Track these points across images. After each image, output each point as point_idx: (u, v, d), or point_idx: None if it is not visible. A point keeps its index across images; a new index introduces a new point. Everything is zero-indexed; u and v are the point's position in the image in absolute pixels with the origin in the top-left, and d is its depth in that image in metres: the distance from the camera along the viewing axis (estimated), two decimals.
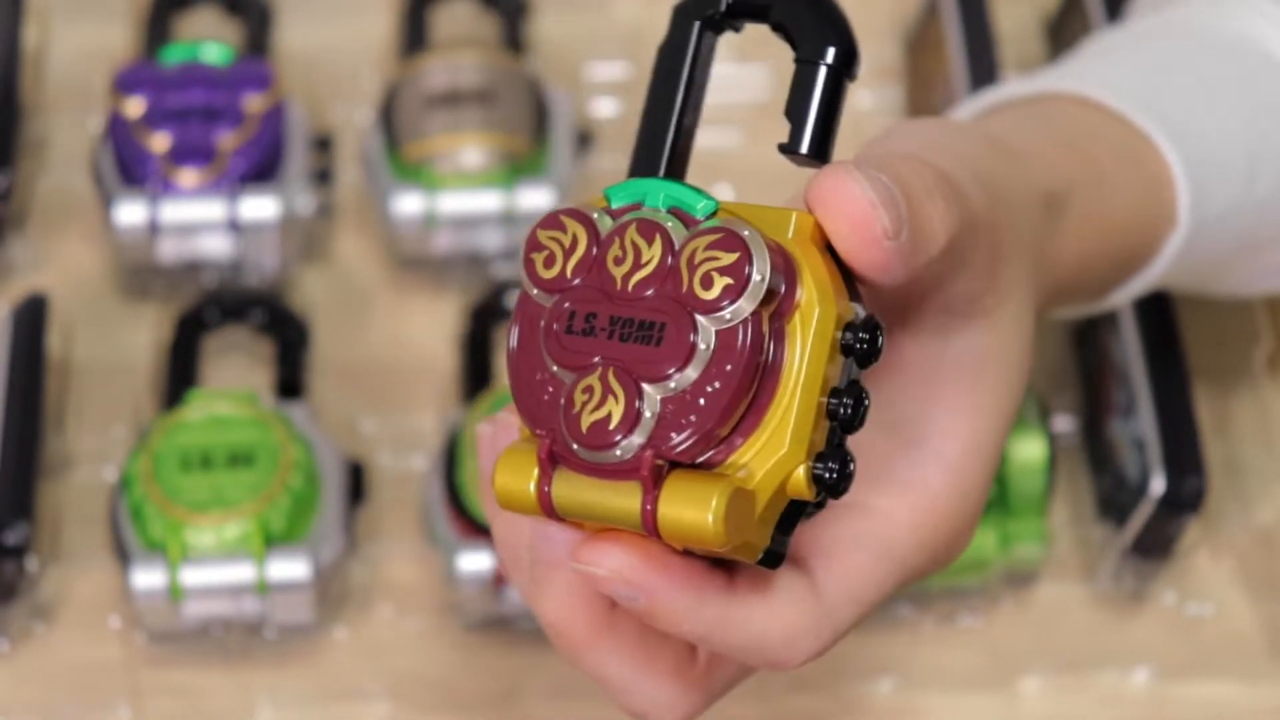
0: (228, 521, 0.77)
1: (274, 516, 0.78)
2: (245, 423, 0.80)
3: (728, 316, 0.46)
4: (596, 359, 0.47)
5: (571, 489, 0.47)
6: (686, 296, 0.46)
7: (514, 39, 0.96)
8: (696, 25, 0.50)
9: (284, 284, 0.90)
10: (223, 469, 0.78)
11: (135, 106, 0.88)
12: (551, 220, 0.48)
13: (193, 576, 0.77)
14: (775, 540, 0.48)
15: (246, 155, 0.88)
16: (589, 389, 0.47)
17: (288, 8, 0.99)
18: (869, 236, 0.47)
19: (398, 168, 0.89)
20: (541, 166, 0.89)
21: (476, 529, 0.78)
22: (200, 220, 0.87)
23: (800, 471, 0.47)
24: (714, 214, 0.47)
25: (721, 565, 0.50)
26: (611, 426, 0.46)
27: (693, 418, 0.46)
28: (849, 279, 0.48)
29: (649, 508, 0.46)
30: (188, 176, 0.87)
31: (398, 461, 0.85)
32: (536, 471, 0.48)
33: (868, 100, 0.98)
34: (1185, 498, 0.78)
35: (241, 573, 0.77)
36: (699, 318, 0.46)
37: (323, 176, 0.91)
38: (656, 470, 0.46)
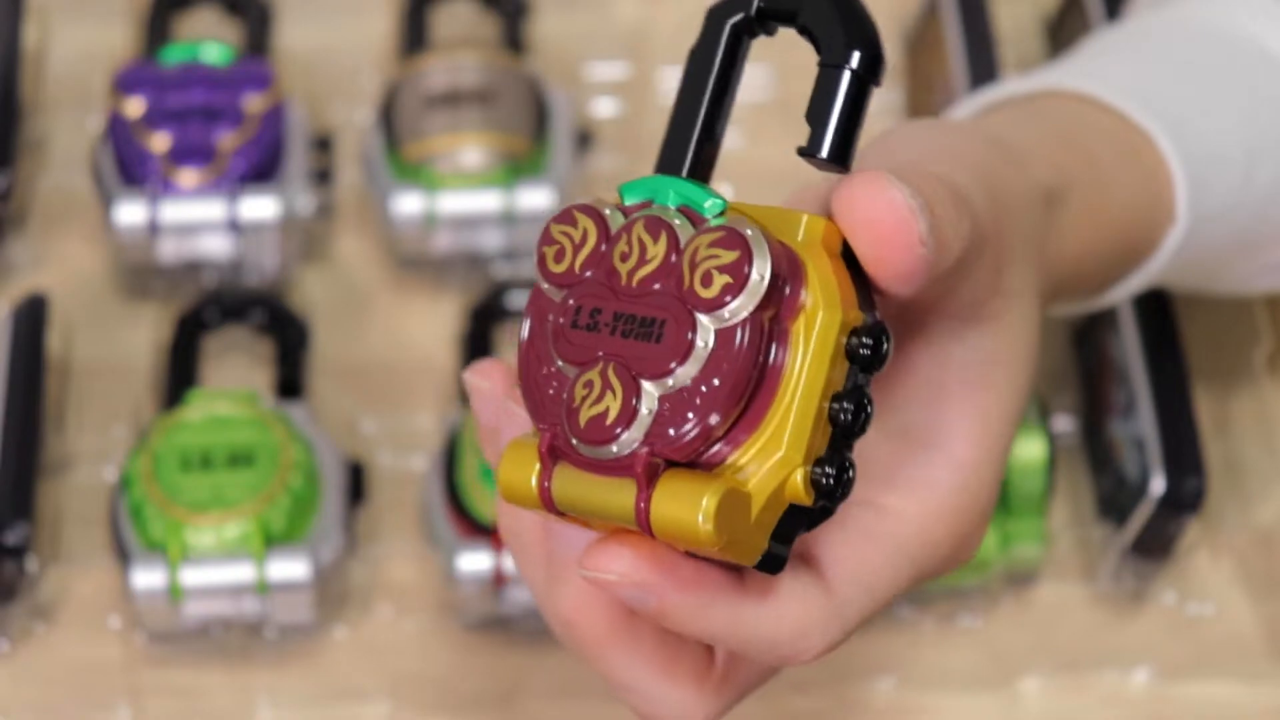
0: (228, 521, 0.77)
1: (274, 516, 0.78)
2: (245, 423, 0.80)
3: (727, 315, 0.46)
4: (599, 355, 0.47)
5: (570, 484, 0.47)
6: (687, 294, 0.46)
7: (514, 39, 0.96)
8: (727, 28, 0.50)
9: (284, 284, 0.90)
10: (223, 469, 0.78)
11: (135, 106, 0.88)
12: (565, 215, 0.48)
13: (193, 576, 0.77)
14: (774, 545, 0.48)
15: (246, 155, 0.88)
16: (589, 384, 0.47)
17: (288, 8, 0.99)
18: (906, 241, 0.47)
19: (398, 168, 0.89)
20: (541, 166, 0.89)
21: (476, 529, 0.78)
22: (200, 220, 0.87)
23: (798, 476, 0.47)
24: (722, 213, 0.47)
25: (731, 565, 0.50)
26: (609, 422, 0.46)
27: (689, 415, 0.46)
28: (861, 286, 0.48)
29: (642, 505, 0.46)
30: (188, 176, 0.87)
31: (398, 461, 0.85)
32: (538, 466, 0.48)
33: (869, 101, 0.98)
34: (1185, 498, 0.78)
35: (241, 573, 0.77)
36: (699, 316, 0.46)
37: (323, 176, 0.91)
38: (651, 467, 0.46)
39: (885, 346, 0.48)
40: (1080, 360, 0.87)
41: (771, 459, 0.47)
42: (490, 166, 0.89)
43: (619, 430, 0.46)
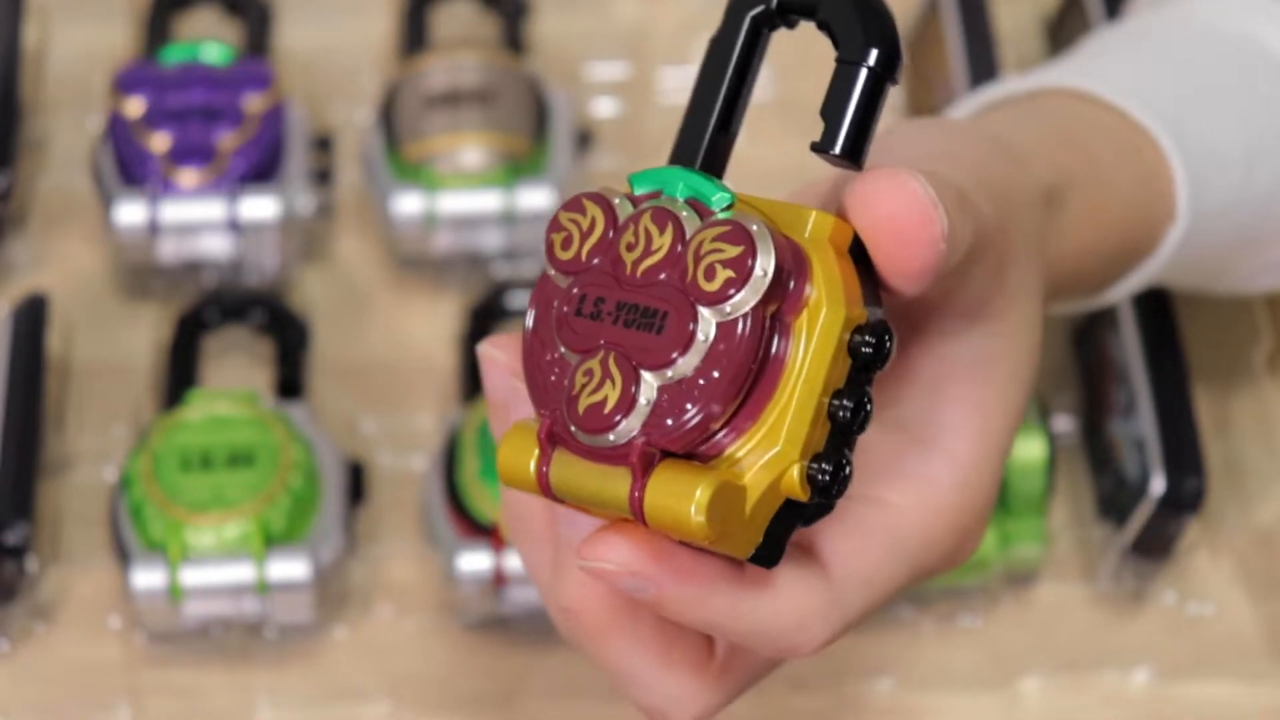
0: (228, 521, 0.77)
1: (274, 516, 0.78)
2: (245, 423, 0.80)
3: (729, 309, 0.46)
4: (600, 343, 0.47)
5: (568, 471, 0.48)
6: (690, 286, 0.46)
7: (514, 39, 0.96)
8: (748, 20, 0.50)
9: (284, 284, 0.90)
10: (223, 469, 0.78)
11: (135, 106, 0.88)
12: (574, 203, 0.48)
13: (193, 576, 0.77)
14: (768, 539, 0.48)
15: (246, 155, 0.88)
16: (589, 372, 0.47)
17: (288, 8, 0.99)
18: (928, 237, 0.47)
19: (398, 168, 0.89)
20: (541, 166, 0.89)
21: (476, 529, 0.78)
22: (200, 220, 0.87)
23: (794, 471, 0.47)
24: (729, 206, 0.47)
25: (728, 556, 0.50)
26: (607, 410, 0.46)
27: (687, 407, 0.46)
28: (868, 284, 0.48)
29: (637, 494, 0.46)
30: (188, 176, 0.87)
31: (398, 461, 0.85)
32: (537, 451, 0.48)
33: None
34: (1185, 498, 0.78)
35: (241, 573, 0.77)
36: (701, 309, 0.46)
37: (323, 176, 0.91)
38: (647, 457, 0.46)
39: (888, 345, 0.48)
40: (1080, 360, 0.87)
41: (768, 453, 0.47)
42: (490, 166, 0.89)
43: (617, 419, 0.46)
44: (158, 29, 0.96)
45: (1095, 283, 0.67)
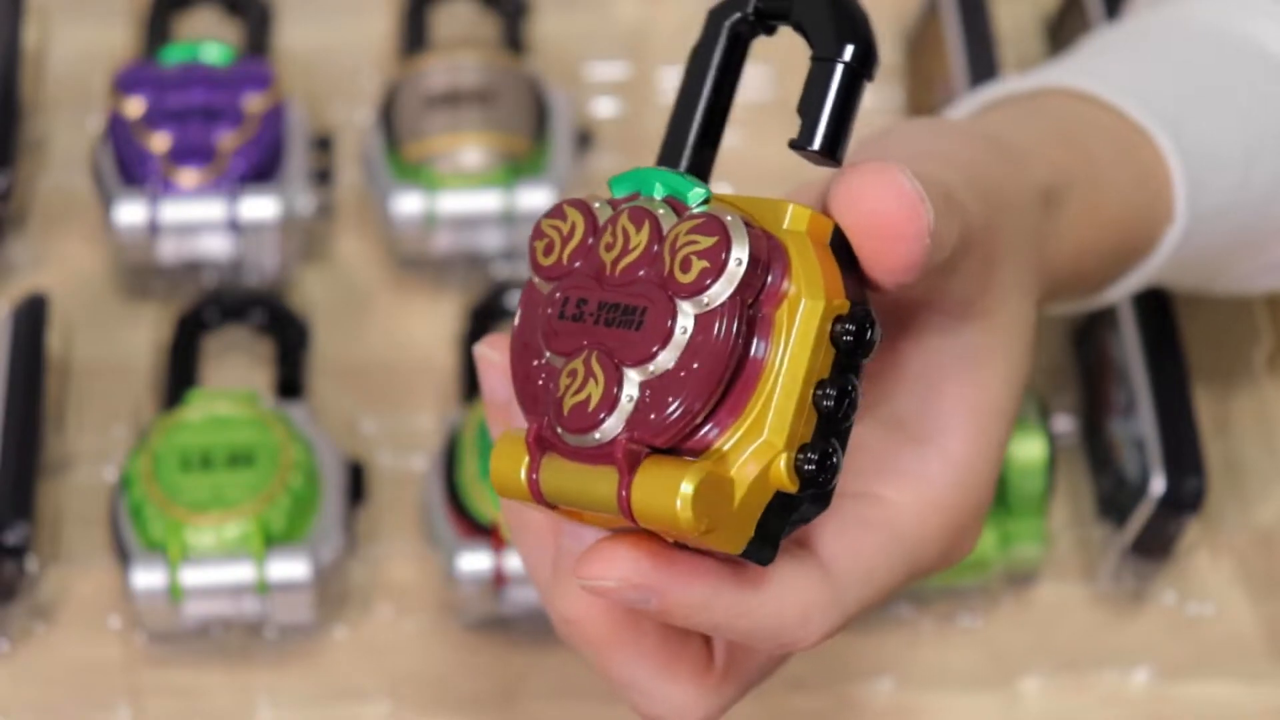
0: (228, 521, 0.77)
1: (274, 516, 0.78)
2: (245, 423, 0.80)
3: (706, 300, 0.46)
4: (583, 344, 0.47)
5: (557, 475, 0.48)
6: (668, 280, 0.46)
7: (514, 39, 0.96)
8: (726, 28, 0.50)
9: (284, 284, 0.90)
10: (223, 469, 0.78)
11: (135, 106, 0.88)
12: (555, 210, 0.49)
13: (193, 576, 0.77)
14: (763, 536, 0.48)
15: (246, 155, 0.88)
16: (573, 373, 0.47)
17: (288, 8, 0.99)
18: (915, 231, 0.47)
19: (398, 168, 0.89)
20: (541, 166, 0.89)
21: (476, 529, 0.78)
22: (200, 220, 0.87)
23: (781, 462, 0.47)
24: (705, 202, 0.48)
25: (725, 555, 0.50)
26: (590, 408, 0.46)
27: (669, 400, 0.46)
28: (849, 276, 0.48)
29: (624, 492, 0.46)
30: (188, 176, 0.87)
31: (398, 461, 0.85)
32: (527, 458, 0.48)
33: (868, 100, 0.96)
34: (1185, 498, 0.78)
35: (241, 573, 0.77)
36: (680, 302, 0.46)
37: (323, 176, 0.91)
38: (632, 454, 0.46)
39: (870, 333, 0.48)
40: (1080, 360, 0.87)
41: (753, 445, 0.47)
42: (490, 166, 0.89)
43: (601, 416, 0.46)
44: (158, 29, 0.96)
45: (1094, 282, 0.67)
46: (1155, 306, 0.82)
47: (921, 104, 0.96)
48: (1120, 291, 0.69)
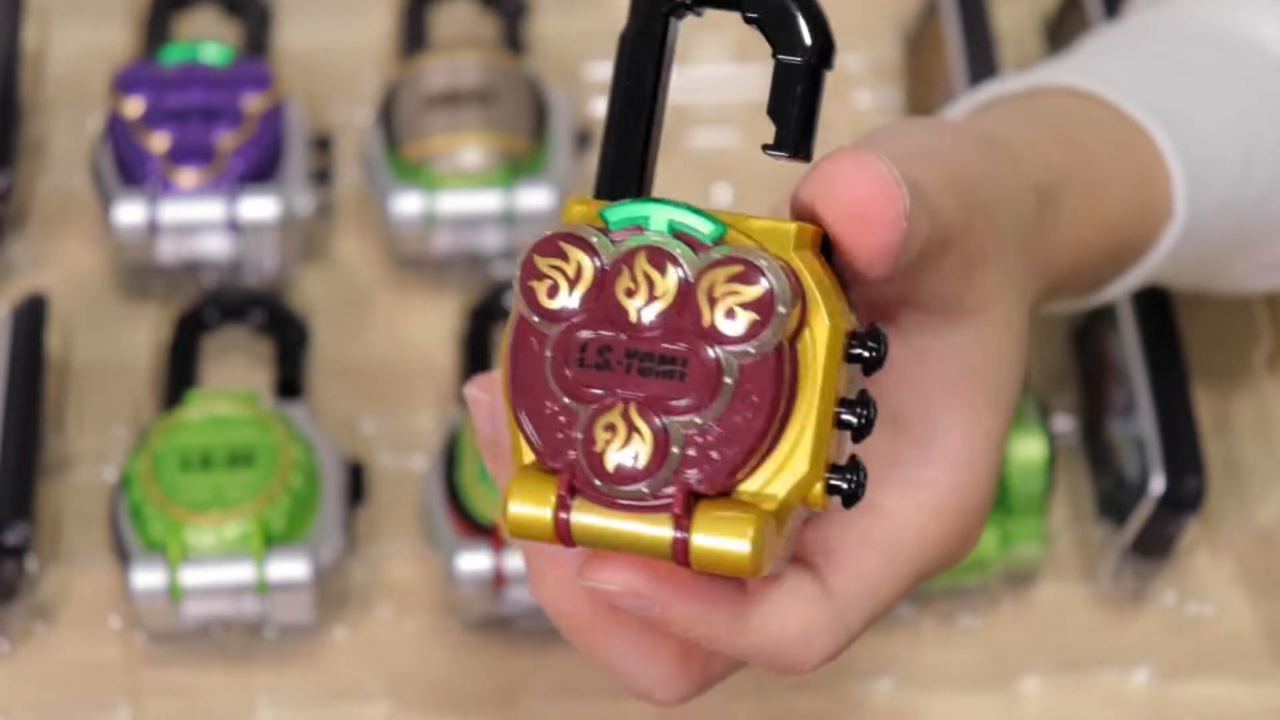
0: (228, 521, 0.77)
1: (274, 516, 0.78)
2: (245, 423, 0.80)
3: (752, 350, 0.46)
4: (614, 394, 0.46)
5: (593, 520, 0.47)
6: (709, 331, 0.46)
7: (514, 39, 0.96)
8: (663, 15, 0.49)
9: (284, 284, 0.90)
10: (223, 469, 0.78)
11: (135, 106, 0.88)
12: (550, 247, 0.47)
13: (193, 576, 0.77)
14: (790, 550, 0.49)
15: (246, 155, 0.88)
16: (611, 427, 0.46)
17: (288, 8, 0.99)
18: (891, 215, 0.47)
19: (398, 168, 0.89)
20: (541, 166, 0.89)
21: (476, 529, 0.78)
22: (200, 220, 0.87)
23: (817, 488, 0.47)
24: (721, 238, 0.47)
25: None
26: (640, 466, 0.46)
27: (723, 452, 0.46)
28: (841, 286, 0.48)
29: (680, 538, 0.46)
30: (187, 176, 0.87)
31: (398, 461, 0.85)
32: (554, 501, 0.47)
33: (868, 100, 0.98)
34: (1185, 497, 0.78)
35: (241, 573, 0.77)
36: (721, 350, 0.46)
37: (322, 176, 0.91)
38: (687, 505, 0.46)
39: (883, 347, 0.48)
40: (1080, 360, 0.87)
41: (795, 478, 0.47)
42: (490, 166, 0.89)
43: (650, 471, 0.46)
44: (157, 29, 0.96)
45: (1093, 280, 0.67)
46: (1155, 306, 0.81)
47: (921, 104, 0.96)
48: (1120, 289, 0.69)
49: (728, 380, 0.46)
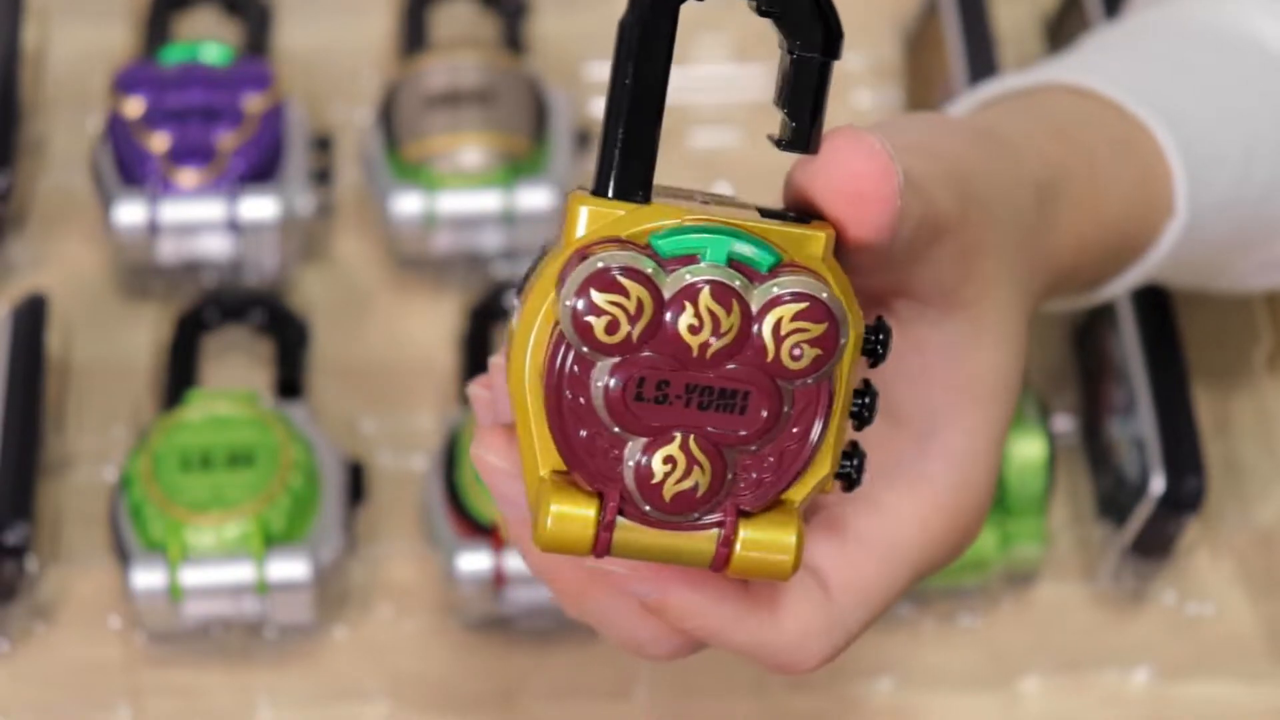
0: (228, 521, 0.77)
1: (274, 516, 0.78)
2: (245, 423, 0.80)
3: (811, 381, 0.46)
4: (674, 427, 0.46)
5: (635, 538, 0.47)
6: (773, 366, 0.46)
7: (514, 39, 0.96)
8: (673, 1, 0.47)
9: (284, 284, 0.90)
10: (223, 469, 0.78)
11: (135, 106, 0.88)
12: (607, 281, 0.45)
13: (193, 576, 0.77)
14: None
15: (246, 155, 0.88)
16: (670, 460, 0.46)
17: (288, 8, 0.99)
18: (888, 190, 0.47)
19: (398, 168, 0.89)
20: (541, 166, 0.89)
21: (476, 529, 0.78)
22: (200, 220, 0.87)
23: (831, 477, 0.48)
24: (777, 266, 0.46)
25: None
26: (699, 495, 0.47)
27: (775, 474, 0.47)
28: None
29: (724, 552, 0.47)
30: (187, 176, 0.87)
31: (398, 461, 0.85)
32: (595, 519, 0.47)
33: (868, 100, 0.98)
34: (1185, 497, 0.78)
35: (241, 573, 0.77)
36: (781, 383, 0.46)
37: (323, 176, 0.91)
38: (734, 523, 0.47)
39: (890, 341, 0.49)
40: (1080, 360, 0.87)
41: (816, 477, 0.48)
42: (490, 166, 0.89)
43: (709, 500, 0.47)
44: (157, 29, 0.96)
45: (1094, 278, 0.67)
46: (1155, 306, 0.81)
47: (921, 104, 0.96)
48: (1120, 287, 0.69)
49: (786, 410, 0.46)
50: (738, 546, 0.47)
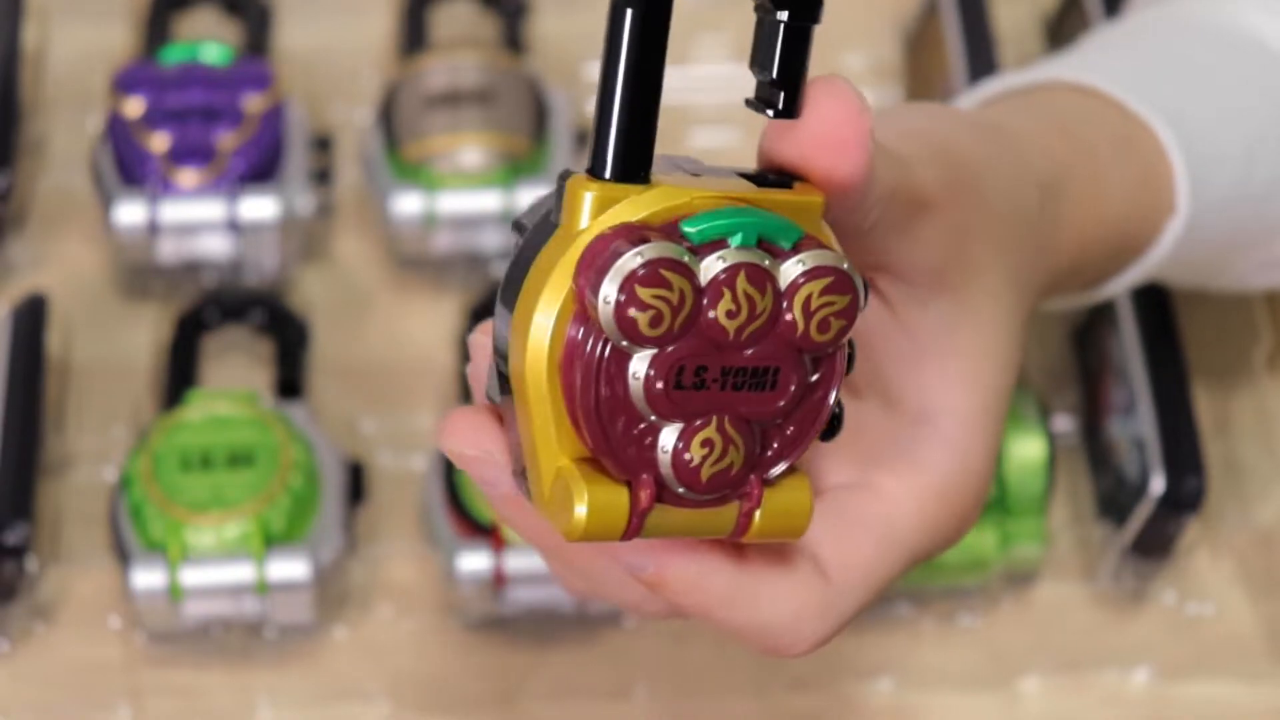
0: (228, 521, 0.77)
1: (274, 516, 0.78)
2: (245, 423, 0.80)
3: (831, 350, 0.47)
4: (711, 410, 0.46)
5: (663, 520, 0.47)
6: (801, 339, 0.46)
7: (514, 39, 0.96)
8: None
9: (284, 284, 0.90)
10: (223, 469, 0.78)
11: (135, 106, 0.88)
12: (652, 276, 0.44)
13: (193, 576, 0.77)
14: None
15: (246, 155, 0.88)
16: (708, 443, 0.46)
17: (288, 8, 0.99)
18: (858, 134, 0.47)
19: (397, 168, 0.89)
20: (541, 166, 0.89)
21: (476, 529, 0.78)
22: (200, 220, 0.87)
23: None
24: (799, 241, 0.46)
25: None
26: (733, 474, 0.47)
27: (796, 443, 0.47)
28: None
29: (744, 520, 0.47)
30: (187, 176, 0.87)
31: (398, 461, 0.85)
32: (627, 508, 0.47)
33: (868, 99, 0.98)
34: (1185, 497, 0.78)
35: (241, 573, 0.77)
36: (807, 356, 0.47)
37: (323, 176, 0.91)
38: (761, 495, 0.48)
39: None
40: (1080, 360, 0.87)
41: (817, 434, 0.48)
42: (490, 166, 0.89)
43: (743, 478, 0.47)
44: (157, 29, 0.96)
45: (1095, 276, 0.67)
46: (1155, 305, 0.82)
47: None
48: (1121, 285, 0.69)
49: (811, 380, 0.47)
50: (758, 515, 0.47)
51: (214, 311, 0.87)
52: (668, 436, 0.46)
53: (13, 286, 0.90)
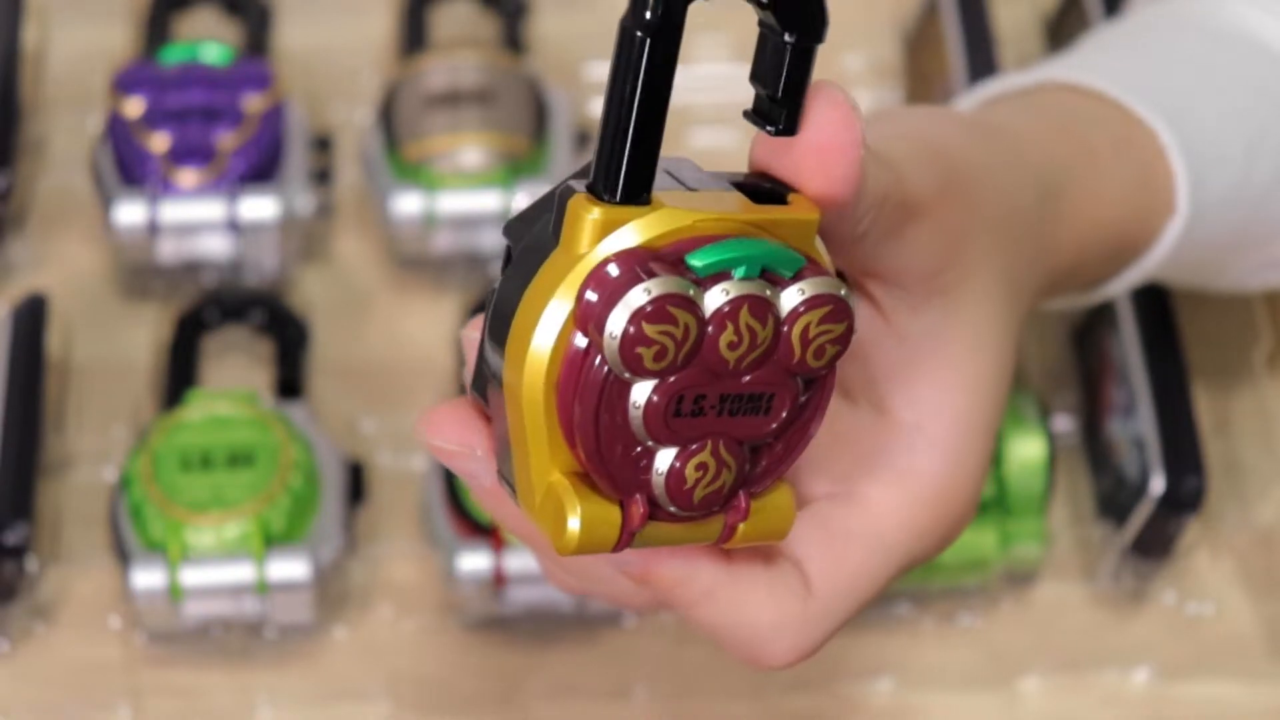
0: (228, 521, 0.77)
1: (274, 516, 0.78)
2: (245, 423, 0.80)
3: (824, 372, 0.47)
4: (706, 435, 0.47)
5: (653, 533, 0.48)
6: (797, 366, 0.46)
7: (514, 39, 0.96)
8: (684, 1, 0.46)
9: (284, 284, 0.90)
10: (223, 469, 0.78)
11: (135, 106, 0.88)
12: (659, 313, 0.44)
13: (193, 576, 0.77)
14: None
15: (246, 155, 0.88)
16: (703, 466, 0.47)
17: (288, 8, 0.99)
18: (850, 138, 0.47)
19: (397, 168, 0.89)
20: (541, 166, 0.89)
21: (476, 529, 0.78)
22: (200, 220, 0.87)
23: None
24: (801, 270, 0.46)
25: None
26: (724, 493, 0.47)
27: (784, 461, 0.48)
28: None
29: (729, 529, 0.48)
30: (187, 176, 0.87)
31: (398, 461, 0.85)
32: (619, 524, 0.47)
33: (867, 100, 0.98)
34: (1185, 497, 0.78)
35: (241, 573, 0.77)
36: (800, 379, 0.47)
37: (323, 176, 0.91)
38: (748, 509, 0.48)
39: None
40: (1080, 360, 0.87)
41: None
42: (490, 166, 0.89)
43: (732, 495, 0.48)
44: (157, 29, 0.96)
45: (1094, 276, 0.67)
46: (1155, 306, 0.82)
47: (921, 104, 0.96)
48: (1121, 286, 0.69)
49: (802, 401, 0.47)
50: (742, 525, 0.48)
51: (214, 311, 0.87)
52: (663, 460, 0.47)
53: (13, 286, 0.90)
